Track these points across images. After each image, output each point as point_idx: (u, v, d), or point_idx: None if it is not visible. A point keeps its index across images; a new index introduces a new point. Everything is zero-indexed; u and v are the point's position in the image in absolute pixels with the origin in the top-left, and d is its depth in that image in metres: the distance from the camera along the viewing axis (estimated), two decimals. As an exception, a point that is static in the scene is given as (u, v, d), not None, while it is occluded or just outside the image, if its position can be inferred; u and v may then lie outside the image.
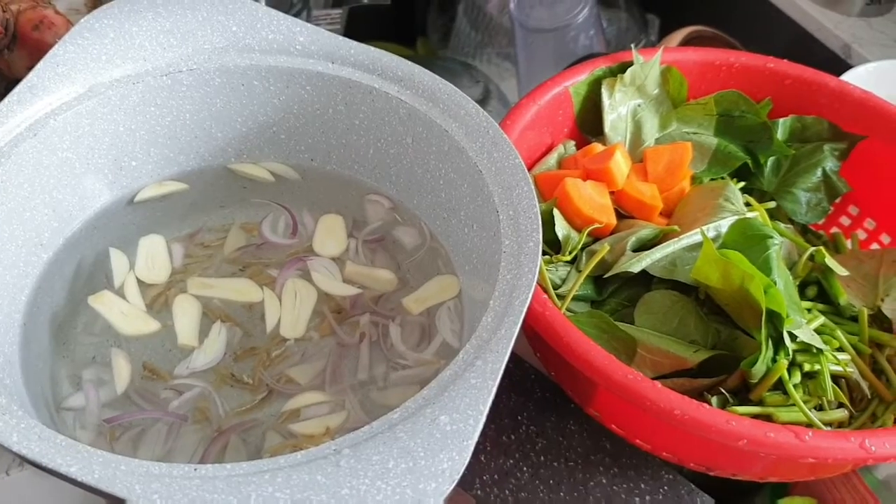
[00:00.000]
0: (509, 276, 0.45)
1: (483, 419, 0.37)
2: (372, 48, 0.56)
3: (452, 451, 0.36)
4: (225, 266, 0.55)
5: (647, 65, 0.62)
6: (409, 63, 0.55)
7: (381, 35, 1.11)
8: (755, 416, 0.49)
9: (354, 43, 0.56)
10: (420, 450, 0.36)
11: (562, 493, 0.51)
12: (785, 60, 0.65)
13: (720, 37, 0.89)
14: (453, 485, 0.35)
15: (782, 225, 0.60)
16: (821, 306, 0.56)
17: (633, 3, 1.01)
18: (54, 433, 0.37)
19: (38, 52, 0.52)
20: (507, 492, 0.51)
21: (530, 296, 0.43)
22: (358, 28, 1.06)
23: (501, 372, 0.39)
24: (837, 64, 0.87)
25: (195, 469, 0.36)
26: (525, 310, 0.42)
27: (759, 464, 0.47)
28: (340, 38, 0.56)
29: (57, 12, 0.61)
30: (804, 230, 0.64)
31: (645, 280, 0.54)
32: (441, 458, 0.36)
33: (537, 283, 0.44)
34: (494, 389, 0.38)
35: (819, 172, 0.63)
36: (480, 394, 0.38)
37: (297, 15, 0.96)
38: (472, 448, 0.36)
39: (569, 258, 0.54)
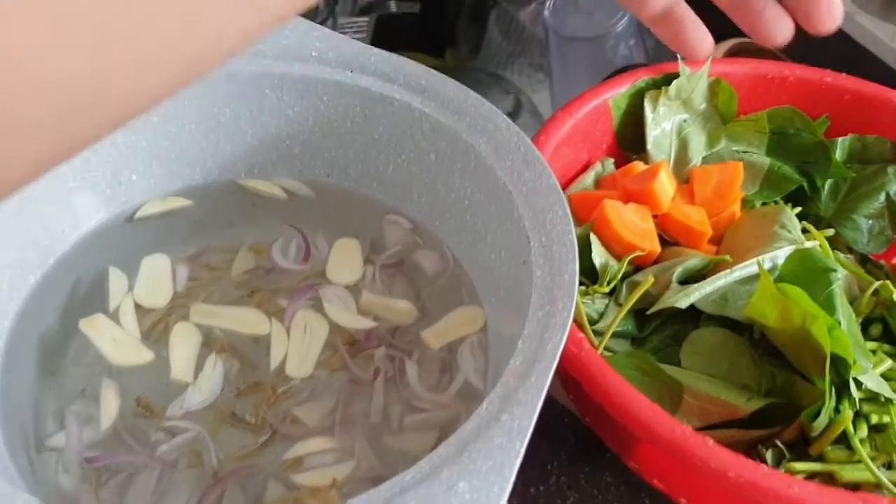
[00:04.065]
0: (541, 312, 0.40)
1: (509, 487, 0.32)
2: (393, 56, 0.51)
3: (472, 526, 0.31)
4: (232, 290, 0.50)
5: (695, 77, 0.57)
6: (434, 72, 0.50)
7: (409, 45, 1.07)
8: (815, 474, 0.44)
9: (375, 50, 0.51)
10: (435, 523, 0.31)
11: (595, 554, 0.46)
12: (844, 74, 0.60)
13: (766, 50, 0.83)
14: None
15: (842, 255, 0.54)
16: (886, 347, 0.50)
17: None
18: (15, 491, 0.32)
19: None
20: (534, 550, 0.46)
21: (564, 338, 0.37)
22: (385, 37, 1.01)
23: (531, 431, 0.34)
24: (893, 78, 0.81)
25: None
26: (559, 354, 0.37)
27: (822, 531, 0.42)
28: (360, 44, 0.51)
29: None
30: (863, 260, 0.58)
31: (692, 315, 0.48)
32: (459, 534, 0.31)
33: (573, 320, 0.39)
34: (522, 451, 0.33)
35: (882, 197, 0.57)
36: (506, 456, 0.33)
37: (322, 23, 0.92)
38: (494, 523, 0.31)
39: (607, 290, 0.49)
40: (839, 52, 0.87)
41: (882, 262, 0.59)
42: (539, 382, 0.36)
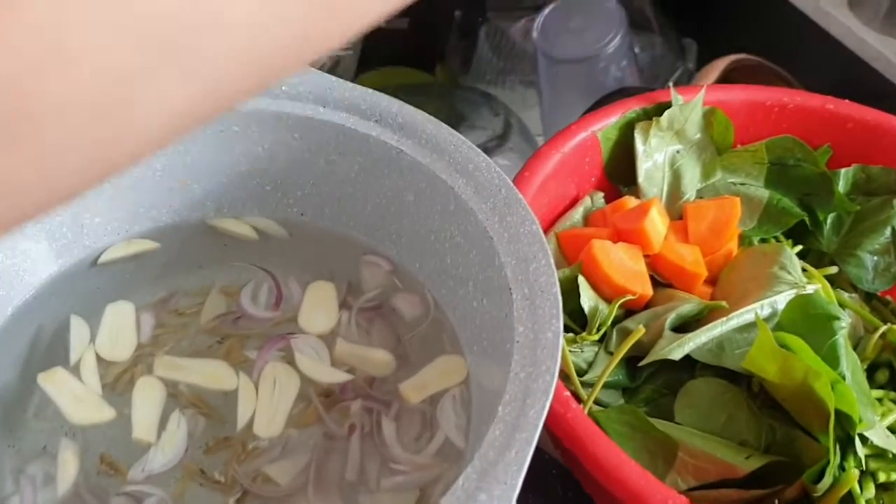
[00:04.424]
0: (523, 374, 0.37)
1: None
2: (369, 91, 0.48)
3: None
4: (200, 337, 0.48)
5: (688, 106, 0.54)
6: (412, 109, 0.47)
7: (398, 60, 1.04)
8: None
9: (349, 84, 0.49)
10: None
11: None
12: (846, 101, 0.57)
13: (766, 66, 0.80)
14: None
15: (845, 294, 0.51)
16: (893, 395, 0.47)
17: (668, 28, 0.92)
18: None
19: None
20: None
21: (547, 405, 0.35)
22: (373, 52, 0.99)
23: (510, 512, 0.31)
24: (896, 95, 0.79)
25: None
26: (541, 423, 0.34)
27: None
28: (333, 78, 0.49)
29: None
30: (868, 296, 0.55)
31: (687, 364, 0.46)
32: None
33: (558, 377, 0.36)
34: (501, 538, 0.31)
35: (888, 231, 0.54)
36: (484, 544, 0.31)
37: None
38: None
39: (596, 337, 0.46)
40: (841, 67, 0.85)
41: (888, 297, 0.56)
42: (520, 457, 0.33)
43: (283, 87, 0.48)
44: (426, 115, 0.47)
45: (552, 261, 0.40)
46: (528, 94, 0.95)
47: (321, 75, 0.49)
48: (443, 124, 0.47)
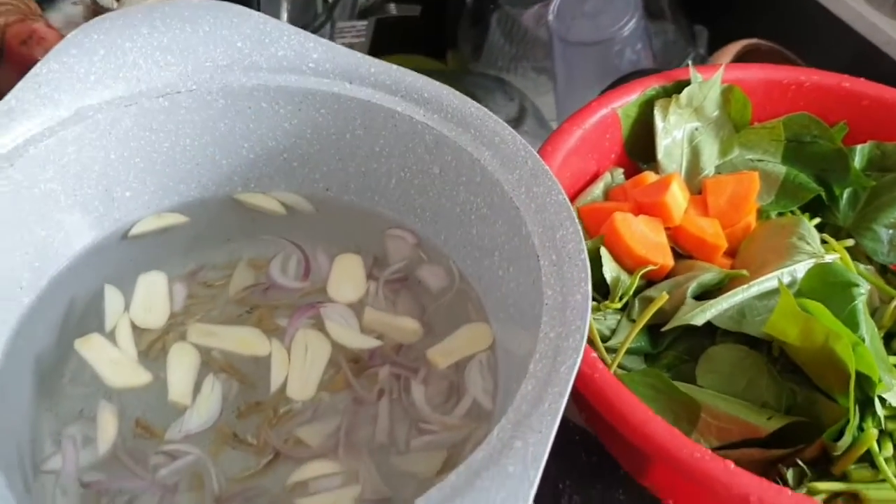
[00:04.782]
0: (553, 334, 0.38)
1: (524, 520, 0.31)
2: (394, 66, 0.49)
3: (486, 562, 0.29)
4: (230, 308, 0.49)
5: (706, 84, 0.55)
6: (437, 84, 0.48)
7: (410, 48, 1.06)
8: (839, 494, 0.42)
9: (375, 61, 0.50)
10: (446, 560, 0.29)
11: (610, 580, 0.44)
12: (862, 79, 0.58)
13: (778, 51, 0.81)
14: None
15: (861, 266, 0.52)
16: (910, 362, 0.48)
17: (680, 15, 0.93)
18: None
19: (26, 69, 0.46)
20: (546, 577, 0.44)
21: (578, 361, 0.36)
22: (385, 40, 1.00)
23: (545, 459, 0.33)
24: (909, 79, 0.80)
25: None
26: (573, 378, 0.35)
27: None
28: (359, 55, 0.50)
29: (48, 25, 0.56)
30: (883, 270, 0.56)
31: (708, 331, 0.47)
32: (471, 574, 0.29)
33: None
34: (537, 481, 0.32)
35: (903, 206, 0.55)
36: (521, 486, 0.32)
37: (320, 27, 0.90)
38: (508, 560, 0.30)
39: (619, 305, 0.48)
40: (852, 52, 0.86)
41: (904, 272, 0.57)
42: (553, 408, 0.34)
43: (310, 64, 0.49)
44: (451, 89, 0.48)
45: (579, 228, 0.41)
46: (541, 80, 0.96)
47: (348, 52, 0.50)
48: (468, 98, 0.48)
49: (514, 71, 0.98)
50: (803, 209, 0.55)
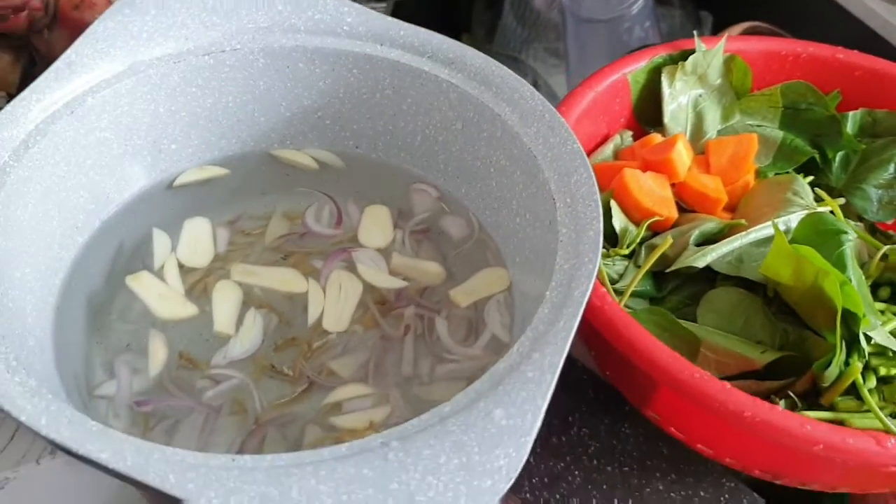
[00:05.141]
0: (567, 265, 0.42)
1: (541, 415, 0.34)
2: (422, 30, 0.53)
3: (509, 447, 0.33)
4: (266, 254, 0.52)
5: (710, 53, 0.59)
6: (461, 45, 0.52)
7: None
8: (827, 423, 0.46)
9: (404, 24, 0.53)
10: (474, 445, 0.33)
11: (616, 500, 0.48)
12: (855, 51, 0.62)
13: (778, 33, 0.85)
14: (510, 483, 0.32)
15: (852, 223, 0.56)
16: (895, 308, 0.52)
17: (686, 0, 0.97)
18: (85, 418, 0.35)
19: (78, 32, 0.50)
20: (557, 496, 0.48)
21: (591, 286, 0.40)
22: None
23: (560, 366, 0.36)
24: (904, 62, 0.83)
25: (233, 459, 0.33)
26: (585, 301, 0.39)
27: (833, 472, 0.44)
28: (390, 19, 0.54)
29: (99, -9, 0.60)
30: (872, 230, 0.60)
31: (708, 277, 0.51)
32: (497, 454, 0.33)
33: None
34: (553, 384, 0.36)
35: (891, 168, 0.59)
36: (538, 388, 0.35)
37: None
38: (530, 445, 0.33)
39: (626, 252, 0.52)
40: (850, 36, 0.89)
41: (891, 231, 0.61)
42: (567, 325, 0.38)
43: (345, 27, 0.53)
44: (475, 50, 0.52)
45: (592, 173, 0.44)
46: (551, 62, 0.99)
47: (379, 16, 0.54)
48: (490, 58, 0.51)
49: (525, 52, 1.01)
50: (798, 171, 0.59)
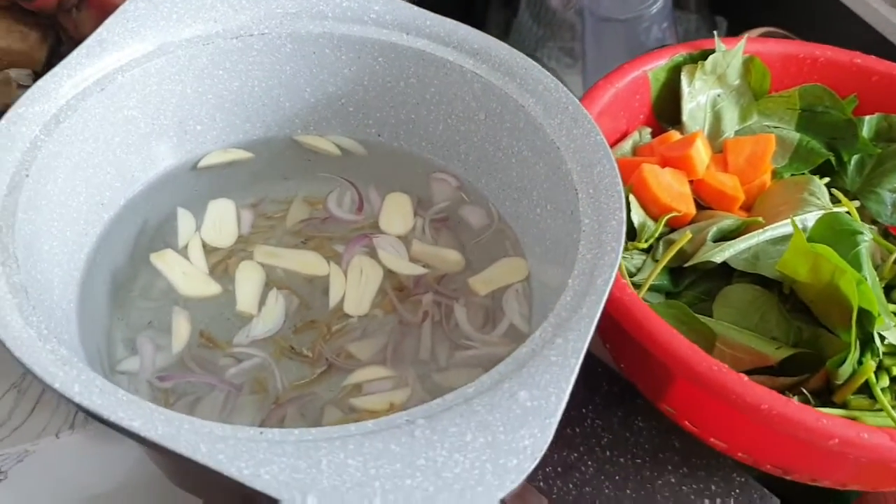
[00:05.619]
0: (589, 255, 0.42)
1: (566, 398, 0.35)
2: (448, 20, 0.54)
3: (534, 427, 0.34)
4: (287, 237, 0.53)
5: (730, 53, 0.60)
6: (486, 36, 0.53)
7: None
8: (840, 419, 0.46)
9: (431, 14, 0.54)
10: (499, 425, 0.34)
11: (628, 491, 0.48)
12: (872, 56, 0.62)
13: (792, 39, 0.86)
14: (535, 463, 0.33)
15: (866, 226, 0.57)
16: (908, 310, 0.53)
17: (702, 5, 0.98)
18: (115, 387, 0.35)
19: (106, 12, 0.50)
20: (570, 485, 0.49)
21: (613, 274, 0.40)
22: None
23: (584, 351, 0.37)
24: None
25: (261, 432, 0.34)
26: (608, 289, 0.40)
27: (845, 468, 0.45)
28: (416, 8, 0.54)
29: (128, -27, 0.60)
30: (885, 234, 0.61)
31: (724, 273, 0.51)
32: (522, 434, 0.33)
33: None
34: (577, 368, 0.36)
35: (906, 173, 0.60)
36: (563, 371, 0.36)
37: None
38: (555, 427, 0.34)
39: (645, 246, 0.52)
40: (860, 43, 0.90)
41: (903, 236, 0.62)
42: (590, 312, 0.39)
43: (372, 15, 0.54)
44: (499, 42, 0.53)
45: (615, 164, 0.45)
46: (566, 61, 1.00)
47: (406, 5, 0.54)
48: (515, 50, 0.52)
49: (540, 51, 1.01)
50: (813, 173, 0.60)
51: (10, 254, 0.40)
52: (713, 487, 0.49)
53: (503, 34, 1.06)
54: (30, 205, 0.43)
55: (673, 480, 0.49)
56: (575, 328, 0.38)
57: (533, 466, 0.33)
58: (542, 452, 0.33)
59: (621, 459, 0.50)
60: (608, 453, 0.50)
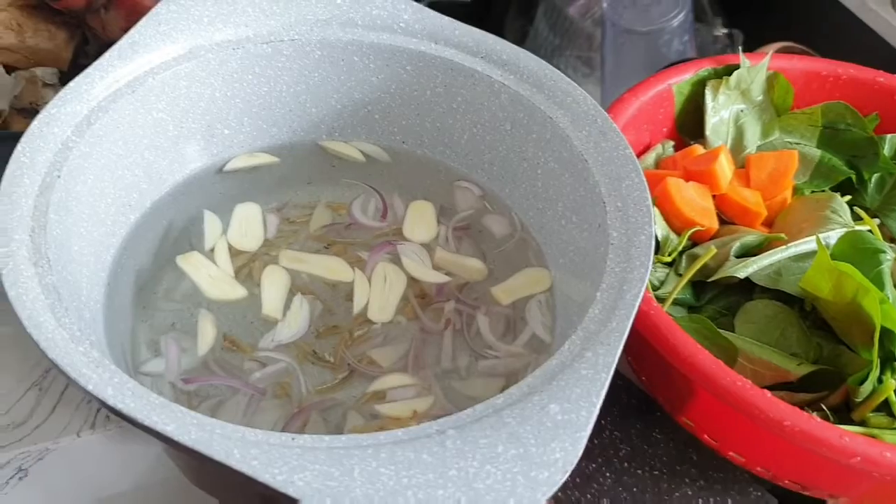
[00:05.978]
0: (618, 268, 0.43)
1: (596, 412, 0.35)
2: (477, 30, 0.54)
3: (565, 441, 0.34)
4: (310, 242, 0.53)
5: (754, 69, 0.60)
6: (515, 47, 0.53)
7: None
8: (859, 437, 0.47)
9: (459, 24, 0.54)
10: (531, 437, 0.34)
11: (646, 502, 0.49)
12: (895, 76, 0.63)
13: (809, 54, 0.86)
14: (566, 476, 0.33)
15: (888, 244, 0.57)
16: (927, 330, 0.53)
17: (719, 17, 0.98)
18: (147, 391, 0.36)
19: (134, 13, 0.51)
20: (588, 496, 0.49)
21: (643, 289, 0.41)
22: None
23: (614, 366, 0.37)
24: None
25: (293, 438, 0.34)
26: (638, 304, 0.40)
27: (865, 485, 0.45)
28: (445, 18, 0.55)
29: (157, -24, 0.61)
30: (903, 253, 0.61)
31: (746, 289, 0.52)
32: (553, 447, 0.34)
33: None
34: (607, 383, 0.36)
35: (927, 192, 0.60)
36: (593, 385, 0.36)
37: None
38: (585, 440, 0.34)
39: (668, 260, 0.52)
40: (877, 58, 0.90)
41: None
42: (620, 326, 0.39)
43: (401, 24, 0.54)
44: (528, 53, 0.53)
45: (644, 178, 0.45)
46: (582, 70, 1.00)
47: (435, 15, 0.54)
48: (543, 61, 0.52)
49: (557, 60, 1.02)
50: (834, 190, 0.60)
51: (43, 254, 0.40)
52: (729, 501, 0.49)
53: (519, 42, 1.06)
54: (61, 205, 0.44)
55: (690, 493, 0.49)
56: (605, 342, 0.38)
57: (564, 479, 0.33)
58: (573, 465, 0.33)
59: (639, 471, 0.50)
60: (626, 465, 0.50)
